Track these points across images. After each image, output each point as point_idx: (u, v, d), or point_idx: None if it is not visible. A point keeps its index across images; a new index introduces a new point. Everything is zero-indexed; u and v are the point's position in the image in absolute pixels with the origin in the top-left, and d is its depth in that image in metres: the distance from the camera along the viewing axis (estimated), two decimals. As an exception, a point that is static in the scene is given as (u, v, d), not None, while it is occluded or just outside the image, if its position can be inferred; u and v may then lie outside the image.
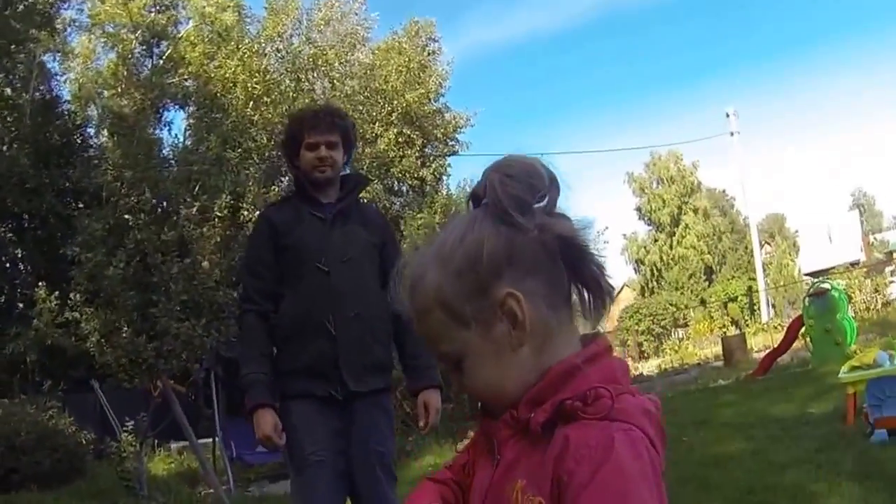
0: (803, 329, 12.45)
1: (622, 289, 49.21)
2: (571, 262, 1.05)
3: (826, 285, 13.14)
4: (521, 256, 1.03)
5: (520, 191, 1.03)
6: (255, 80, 17.56)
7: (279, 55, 19.52)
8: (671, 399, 11.86)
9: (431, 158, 21.12)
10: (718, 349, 22.85)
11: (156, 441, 11.76)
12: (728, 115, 29.19)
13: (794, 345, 13.02)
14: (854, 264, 32.72)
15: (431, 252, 1.09)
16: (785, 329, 14.06)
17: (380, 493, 3.09)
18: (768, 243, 44.69)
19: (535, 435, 1.01)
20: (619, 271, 45.54)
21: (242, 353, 3.14)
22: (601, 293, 1.07)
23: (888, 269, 28.45)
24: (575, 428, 0.98)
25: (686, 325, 35.85)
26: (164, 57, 18.93)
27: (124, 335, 9.07)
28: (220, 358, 10.28)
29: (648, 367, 26.13)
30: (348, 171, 3.47)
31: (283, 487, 8.39)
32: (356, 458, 3.07)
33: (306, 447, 2.98)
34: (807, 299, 12.91)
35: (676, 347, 29.98)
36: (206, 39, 18.58)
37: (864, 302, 20.75)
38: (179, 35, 19.28)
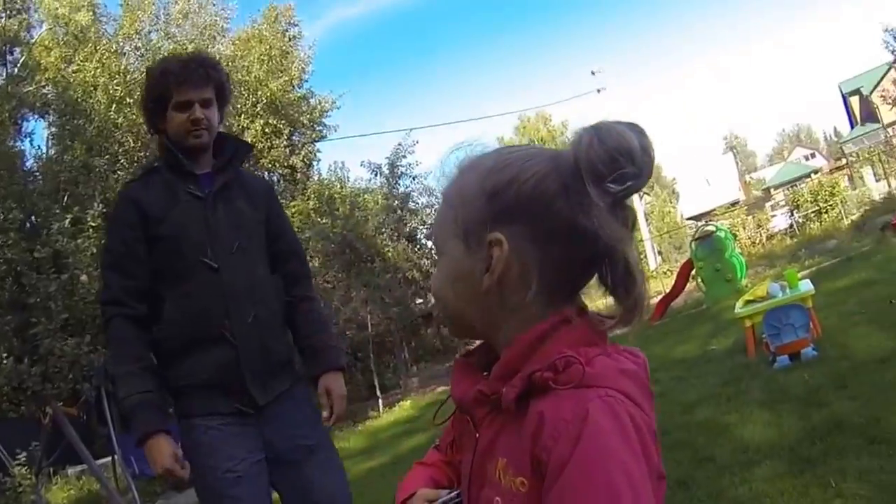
0: (694, 271, 12.77)
1: None
2: (606, 268, 1.01)
3: (711, 227, 13.52)
4: (547, 223, 0.99)
5: (599, 161, 0.96)
6: (115, 81, 16.74)
7: (139, 53, 18.62)
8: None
9: (300, 146, 20.81)
10: (609, 299, 23.40)
11: (51, 469, 11.20)
12: (593, 73, 29.63)
13: (687, 287, 13.35)
14: (734, 204, 34.10)
15: (493, 156, 1.07)
16: (675, 274, 14.40)
17: (326, 484, 2.68)
18: (647, 193, 46.20)
19: (509, 411, 0.98)
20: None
21: (117, 369, 2.51)
22: (632, 306, 1.01)
23: (768, 205, 29.72)
24: (549, 401, 0.93)
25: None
26: (18, 65, 17.89)
27: (4, 362, 8.55)
28: (109, 373, 9.87)
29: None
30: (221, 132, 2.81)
31: (191, 497, 8.06)
32: (285, 462, 2.63)
33: (220, 465, 2.49)
34: (693, 243, 13.26)
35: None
36: (62, 42, 17.64)
37: (749, 238, 21.58)
38: (33, 40, 18.25)
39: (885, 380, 4.40)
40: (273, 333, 2.67)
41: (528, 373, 0.95)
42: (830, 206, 22.62)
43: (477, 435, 1.05)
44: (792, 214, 24.75)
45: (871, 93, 39.39)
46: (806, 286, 6.63)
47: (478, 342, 1.15)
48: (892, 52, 26.67)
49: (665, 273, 24.96)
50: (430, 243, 21.19)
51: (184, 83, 2.57)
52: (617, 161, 0.95)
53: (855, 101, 46.42)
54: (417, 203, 20.60)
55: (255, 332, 2.57)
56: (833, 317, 6.77)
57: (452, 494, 1.16)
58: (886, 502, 2.89)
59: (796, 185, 32.56)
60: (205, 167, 2.66)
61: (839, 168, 37.46)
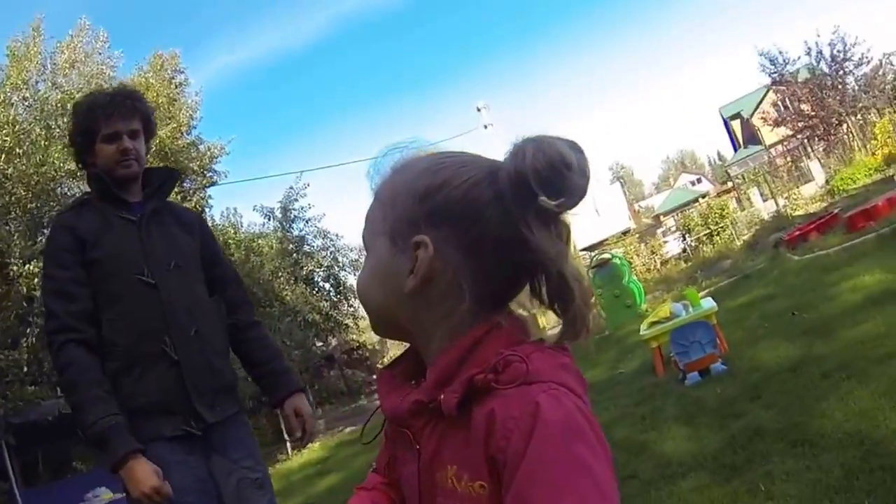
0: (592, 299, 13.01)
1: None
2: (539, 281, 1.01)
3: (606, 255, 13.85)
4: (475, 230, 0.98)
5: (540, 171, 0.94)
6: (4, 132, 16.03)
7: (26, 104, 17.98)
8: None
9: (191, 192, 20.34)
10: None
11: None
12: (479, 109, 30.10)
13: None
14: (625, 233, 35.01)
15: (428, 159, 1.06)
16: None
17: None
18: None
19: (451, 417, 0.95)
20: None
21: (80, 395, 2.39)
22: (572, 320, 0.99)
23: (659, 231, 30.63)
24: (494, 402, 0.91)
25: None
26: None
27: None
28: (9, 425, 9.74)
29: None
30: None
31: None
32: (231, 493, 2.58)
33: (177, 499, 2.40)
34: (591, 271, 13.51)
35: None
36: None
37: (644, 264, 22.16)
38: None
39: (797, 386, 4.53)
40: (217, 352, 2.65)
41: (467, 377, 0.93)
42: (721, 227, 23.53)
43: (417, 447, 1.02)
44: (684, 238, 25.60)
45: (752, 115, 41.43)
46: (708, 303, 6.83)
47: (397, 354, 1.14)
48: (769, 75, 28.04)
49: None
50: (327, 285, 21.16)
51: (111, 115, 2.61)
52: (558, 173, 0.94)
53: (737, 125, 48.83)
54: (312, 246, 20.57)
55: (197, 346, 2.55)
56: (738, 332, 6.96)
57: None
58: (817, 500, 2.96)
59: (685, 210, 33.72)
60: (135, 196, 2.68)
61: (726, 191, 39.02)
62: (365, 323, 33.15)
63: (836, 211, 13.07)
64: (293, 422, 2.79)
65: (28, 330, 8.60)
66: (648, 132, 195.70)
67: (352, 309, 21.15)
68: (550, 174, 0.93)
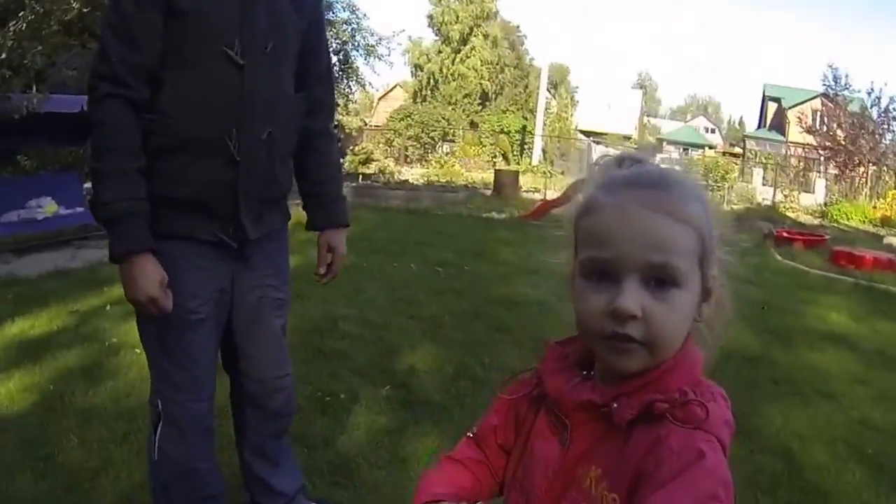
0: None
1: (394, 87, 49.88)
2: None
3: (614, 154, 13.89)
4: None
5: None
6: None
7: None
8: (445, 220, 12.25)
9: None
10: (487, 176, 23.87)
11: None
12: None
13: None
14: (627, 138, 34.95)
15: (691, 181, 1.04)
16: (565, 187, 14.83)
17: (277, 348, 2.56)
18: (550, 91, 46.75)
19: (618, 427, 0.98)
20: (396, 71, 45.32)
21: (104, 163, 2.05)
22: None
23: (659, 157, 30.69)
24: (662, 431, 0.94)
25: (453, 141, 36.77)
26: None
27: None
28: (90, 167, 8.55)
29: (413, 174, 26.69)
30: None
31: (35, 264, 7.42)
32: (246, 307, 2.42)
33: (184, 304, 2.18)
34: (594, 167, 13.61)
35: (442, 162, 30.80)
36: None
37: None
38: None
39: (751, 377, 4.80)
40: (283, 161, 2.37)
41: (649, 400, 0.96)
42: (718, 187, 23.71)
43: (568, 438, 1.04)
44: (681, 178, 25.78)
45: (790, 108, 41.11)
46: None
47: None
48: (825, 86, 27.77)
49: (544, 172, 25.60)
50: (335, 58, 20.77)
51: None
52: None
53: (772, 107, 48.53)
54: (337, 16, 20.38)
55: (265, 152, 2.23)
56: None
57: None
58: (744, 490, 3.24)
59: (688, 151, 33.75)
60: None
61: (733, 154, 39.04)
62: (353, 107, 32.62)
63: (826, 236, 13.34)
64: (322, 254, 2.59)
65: (21, 14, 7.93)
66: (692, 61, 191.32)
67: (348, 90, 20.91)
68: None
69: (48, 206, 8.71)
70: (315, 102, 2.48)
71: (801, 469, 3.52)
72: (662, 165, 1.06)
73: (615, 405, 0.98)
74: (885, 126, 26.30)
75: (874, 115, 26.38)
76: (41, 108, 7.92)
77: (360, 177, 22.58)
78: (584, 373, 1.07)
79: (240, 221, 2.25)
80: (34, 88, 8.28)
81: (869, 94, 27.10)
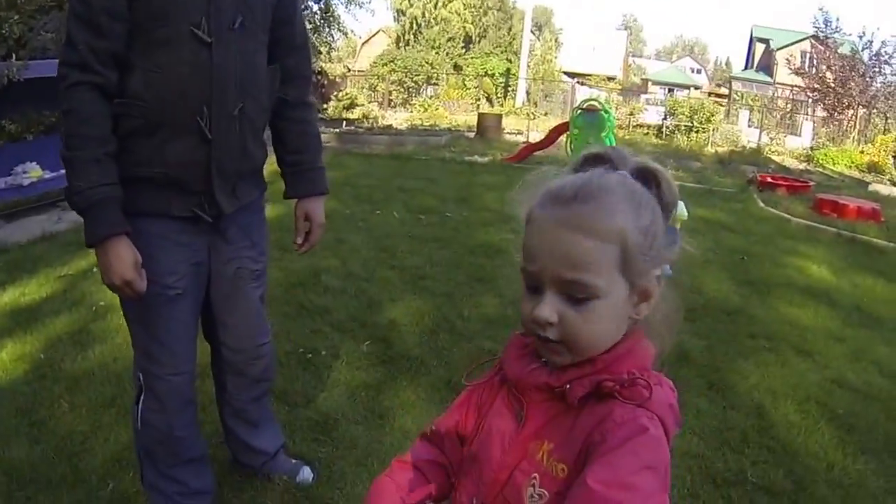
0: (566, 134, 13.14)
1: (377, 33, 49.30)
2: None
3: (597, 104, 13.78)
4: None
5: (671, 198, 1.12)
6: None
7: None
8: (428, 165, 12.16)
9: None
10: (470, 119, 23.72)
11: None
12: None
13: (553, 146, 13.81)
14: (611, 79, 34.72)
15: (624, 189, 1.07)
16: (549, 129, 14.75)
17: (255, 318, 2.58)
18: (533, 33, 46.25)
19: (570, 405, 1.07)
20: (378, 16, 44.68)
21: (75, 152, 2.05)
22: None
23: (644, 97, 30.54)
24: (609, 406, 1.04)
25: (437, 85, 36.50)
26: None
27: None
28: (62, 156, 8.34)
29: (396, 118, 26.49)
30: None
31: (23, 229, 7.31)
32: (224, 279, 2.45)
33: (160, 280, 2.21)
34: (577, 110, 13.53)
35: (426, 106, 30.59)
36: None
37: (618, 120, 22.33)
38: None
39: (728, 331, 4.85)
40: (255, 132, 2.34)
41: (598, 380, 1.05)
42: (703, 128, 23.68)
43: (524, 414, 1.13)
44: (665, 118, 25.71)
45: (778, 50, 40.87)
46: (681, 209, 6.97)
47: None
48: (815, 29, 27.56)
49: (528, 114, 25.45)
50: (315, 6, 20.48)
51: None
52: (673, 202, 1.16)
53: (759, 48, 48.23)
54: None
55: (236, 128, 2.22)
56: (690, 245, 7.13)
57: None
58: (717, 449, 3.29)
59: (673, 91, 33.61)
60: None
61: (719, 95, 38.90)
62: (336, 55, 32.05)
63: (811, 183, 13.34)
64: (300, 224, 2.59)
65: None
66: (678, 1, 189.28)
67: (330, 38, 20.68)
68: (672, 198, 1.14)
69: (33, 171, 8.79)
70: (289, 72, 2.46)
71: (771, 427, 3.57)
72: (604, 171, 1.10)
73: (568, 386, 1.07)
74: (877, 69, 26.18)
75: (865, 58, 26.26)
76: (21, 76, 7.93)
77: (344, 122, 22.36)
78: (544, 360, 1.14)
79: (214, 197, 2.26)
80: (14, 57, 8.28)
81: (860, 37, 26.99)
